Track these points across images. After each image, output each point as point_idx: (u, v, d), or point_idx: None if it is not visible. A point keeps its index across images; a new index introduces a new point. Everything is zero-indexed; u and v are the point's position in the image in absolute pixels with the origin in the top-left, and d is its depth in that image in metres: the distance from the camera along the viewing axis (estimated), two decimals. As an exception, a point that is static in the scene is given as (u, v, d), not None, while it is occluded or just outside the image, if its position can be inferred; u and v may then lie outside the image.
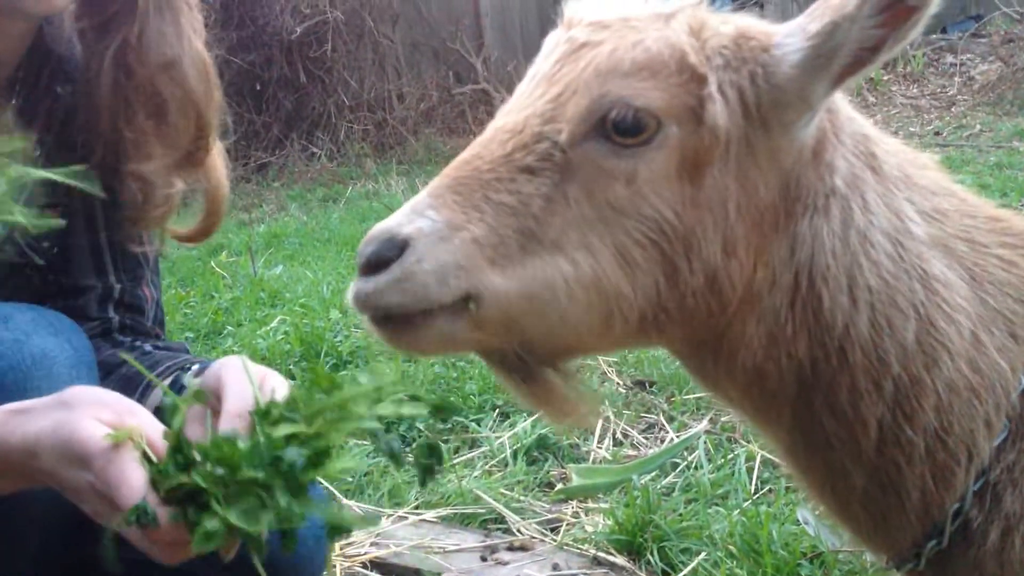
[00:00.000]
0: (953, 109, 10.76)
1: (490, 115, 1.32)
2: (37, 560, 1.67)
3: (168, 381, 1.86)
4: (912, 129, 10.14)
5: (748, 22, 1.28)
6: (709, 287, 1.22)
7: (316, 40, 11.13)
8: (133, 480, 1.27)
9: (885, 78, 12.01)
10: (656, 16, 1.26)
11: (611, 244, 1.18)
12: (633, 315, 1.21)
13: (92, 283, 1.94)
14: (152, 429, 1.33)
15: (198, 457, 1.26)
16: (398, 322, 1.20)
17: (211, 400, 1.54)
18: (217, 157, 1.98)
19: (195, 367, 1.84)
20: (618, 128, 1.18)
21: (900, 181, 1.32)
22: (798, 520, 2.79)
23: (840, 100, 1.32)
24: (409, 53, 12.04)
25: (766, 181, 1.24)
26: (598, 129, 1.19)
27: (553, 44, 1.29)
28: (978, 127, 9.67)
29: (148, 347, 1.98)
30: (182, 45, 1.81)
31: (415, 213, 1.19)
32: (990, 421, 1.27)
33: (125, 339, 1.98)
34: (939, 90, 11.59)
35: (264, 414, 1.32)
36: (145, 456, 1.29)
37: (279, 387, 1.46)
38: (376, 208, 8.95)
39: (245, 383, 1.46)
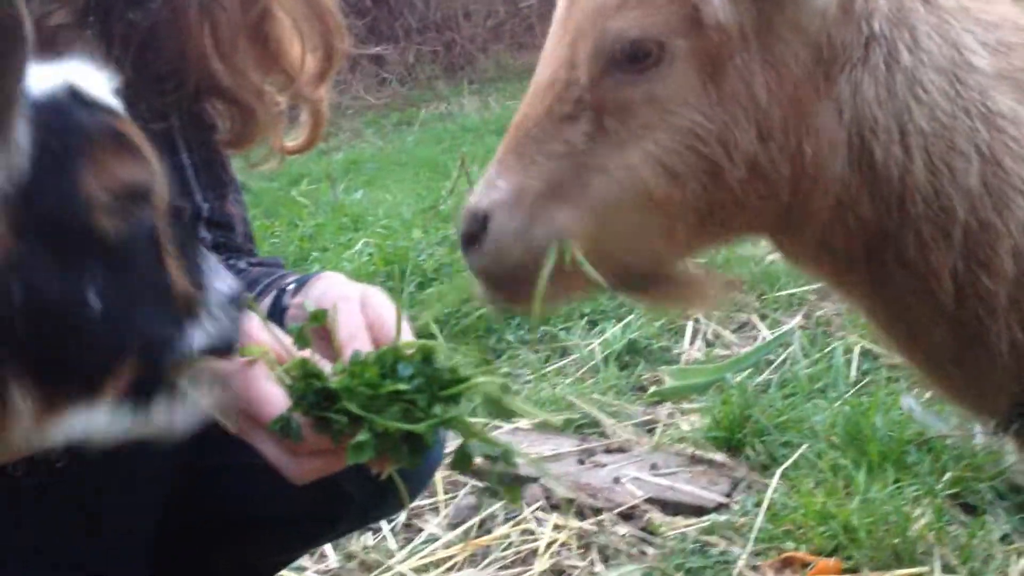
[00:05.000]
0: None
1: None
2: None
3: (269, 299, 1.86)
4: None
5: None
6: (753, 174, 1.24)
7: (379, -38, 11.02)
8: (272, 396, 1.26)
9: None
10: None
11: (651, 159, 1.24)
12: (691, 216, 1.27)
13: (179, 205, 1.94)
14: (282, 347, 1.32)
15: (333, 380, 1.24)
16: (509, 286, 1.33)
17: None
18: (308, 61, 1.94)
19: (292, 285, 1.84)
20: (626, 59, 1.23)
21: (958, 12, 1.25)
22: (902, 408, 2.72)
23: None
24: (473, -32, 11.83)
25: (795, 54, 1.22)
26: (610, 64, 1.24)
27: None
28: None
29: (243, 264, 1.99)
30: None
31: (488, 185, 1.31)
32: None
33: (220, 257, 1.99)
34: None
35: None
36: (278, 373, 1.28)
37: (381, 306, 1.44)
38: (451, 129, 8.92)
39: (352, 313, 1.43)
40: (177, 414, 1.16)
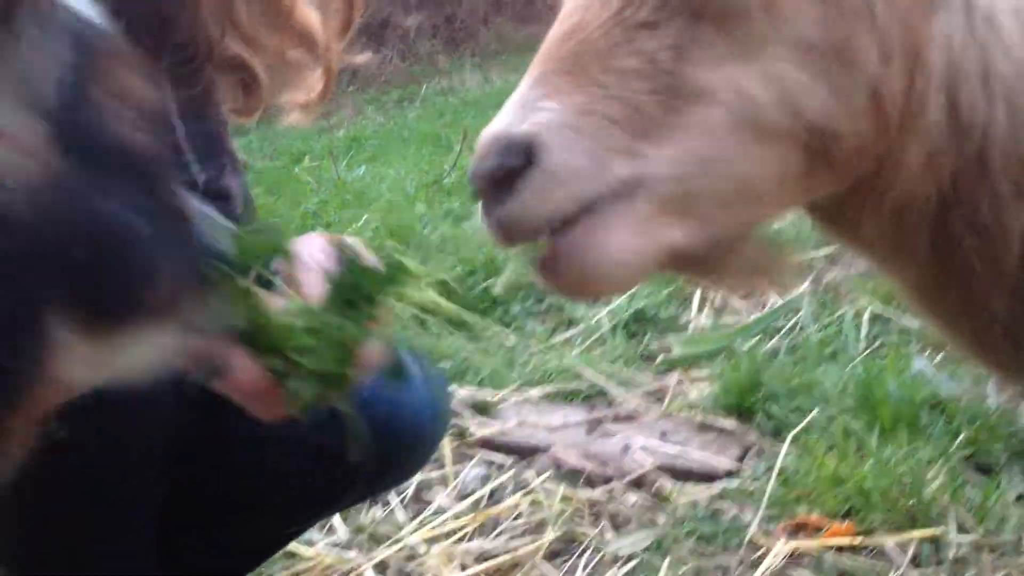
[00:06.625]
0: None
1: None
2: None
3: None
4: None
5: None
6: (874, 103, 1.09)
7: (377, -64, 10.92)
8: None
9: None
10: None
11: (762, 77, 1.04)
12: (800, 153, 1.08)
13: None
14: None
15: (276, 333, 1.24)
16: (563, 238, 1.01)
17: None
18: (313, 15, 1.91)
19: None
20: None
21: None
22: (914, 371, 2.69)
23: None
24: (473, -59, 11.73)
25: None
26: None
27: None
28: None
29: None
30: None
31: (526, 108, 1.01)
32: None
33: None
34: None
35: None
36: None
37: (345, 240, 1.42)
38: (452, 103, 8.87)
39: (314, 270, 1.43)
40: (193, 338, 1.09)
